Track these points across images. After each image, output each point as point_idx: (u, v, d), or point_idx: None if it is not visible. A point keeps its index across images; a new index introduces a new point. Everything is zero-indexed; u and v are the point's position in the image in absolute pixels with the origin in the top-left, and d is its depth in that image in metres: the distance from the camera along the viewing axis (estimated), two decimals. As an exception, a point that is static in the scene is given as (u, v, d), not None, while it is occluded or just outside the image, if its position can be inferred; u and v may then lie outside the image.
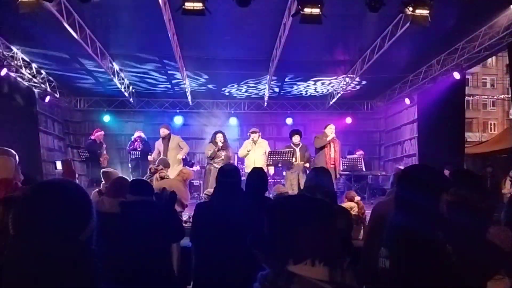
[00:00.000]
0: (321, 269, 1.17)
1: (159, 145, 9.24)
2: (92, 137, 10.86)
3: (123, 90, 11.22)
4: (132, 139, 10.89)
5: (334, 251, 1.22)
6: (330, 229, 1.26)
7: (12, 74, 9.25)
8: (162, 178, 6.68)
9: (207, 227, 3.20)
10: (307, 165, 8.44)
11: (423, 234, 1.71)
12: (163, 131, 9.23)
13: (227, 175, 3.38)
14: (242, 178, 9.75)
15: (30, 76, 9.87)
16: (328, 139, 8.43)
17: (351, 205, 5.05)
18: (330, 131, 8.55)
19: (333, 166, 8.22)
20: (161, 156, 8.33)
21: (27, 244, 1.11)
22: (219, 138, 8.89)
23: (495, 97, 33.38)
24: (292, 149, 8.41)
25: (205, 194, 6.04)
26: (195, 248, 3.41)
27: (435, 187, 1.91)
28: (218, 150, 8.81)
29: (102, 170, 6.23)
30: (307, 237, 1.20)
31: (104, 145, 10.91)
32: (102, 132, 10.99)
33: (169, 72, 10.38)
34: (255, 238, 1.31)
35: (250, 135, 9.00)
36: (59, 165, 10.86)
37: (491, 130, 33.95)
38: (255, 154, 8.74)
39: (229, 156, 8.97)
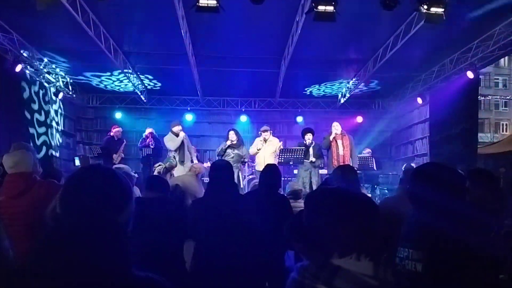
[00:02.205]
0: (366, 264, 1.17)
1: (173, 139, 8.83)
2: (111, 134, 10.92)
3: (135, 87, 11.30)
4: (144, 136, 10.96)
5: (377, 246, 1.22)
6: (374, 223, 1.25)
7: (28, 72, 9.36)
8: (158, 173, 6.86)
9: (203, 222, 3.24)
10: (313, 159, 8.41)
11: (458, 239, 1.63)
12: (179, 128, 8.83)
13: (218, 169, 3.43)
14: (252, 176, 9.70)
15: (45, 73, 9.97)
16: (331, 137, 8.39)
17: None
18: (334, 129, 8.50)
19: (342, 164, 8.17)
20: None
21: (70, 221, 1.17)
22: (231, 135, 8.74)
23: (507, 97, 33.03)
24: (303, 147, 8.39)
25: None
26: (195, 243, 3.43)
27: (460, 187, 1.82)
28: (227, 148, 8.68)
29: (114, 167, 6.28)
30: (353, 231, 1.19)
31: (125, 142, 10.94)
32: (120, 129, 11.04)
33: (180, 69, 10.43)
34: (294, 229, 1.29)
35: (261, 134, 8.98)
36: (77, 161, 10.98)
37: (503, 131, 33.60)
38: (265, 152, 8.74)
39: (242, 155, 8.73)
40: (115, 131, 10.87)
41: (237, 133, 8.85)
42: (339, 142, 8.42)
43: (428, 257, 1.65)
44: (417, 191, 1.85)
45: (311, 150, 8.45)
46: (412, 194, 1.90)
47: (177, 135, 8.70)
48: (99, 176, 1.27)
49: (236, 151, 8.67)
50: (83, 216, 1.17)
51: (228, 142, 8.66)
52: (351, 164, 8.42)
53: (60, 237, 1.16)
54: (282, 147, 8.73)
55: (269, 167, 3.93)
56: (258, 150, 8.81)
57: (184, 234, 3.46)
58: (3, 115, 8.35)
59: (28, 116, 9.64)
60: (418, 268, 1.67)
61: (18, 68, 8.44)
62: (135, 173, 8.79)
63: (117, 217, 1.22)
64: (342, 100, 12.73)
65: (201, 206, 3.38)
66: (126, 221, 1.25)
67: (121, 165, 6.39)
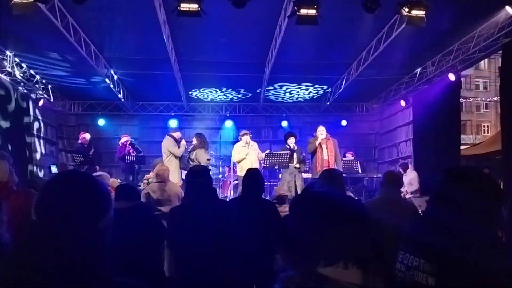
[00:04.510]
0: (354, 272, 1.10)
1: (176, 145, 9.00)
2: (79, 141, 10.82)
3: (117, 93, 11.15)
4: (120, 144, 10.71)
5: (367, 254, 1.15)
6: (364, 229, 1.18)
7: (6, 78, 9.16)
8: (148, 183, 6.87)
9: (182, 229, 3.17)
10: (297, 165, 8.36)
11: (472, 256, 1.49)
12: (180, 135, 9.21)
13: (195, 175, 3.37)
14: (236, 182, 9.61)
15: (24, 80, 9.78)
16: (317, 142, 8.34)
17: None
18: (319, 133, 8.43)
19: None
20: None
21: (47, 228, 1.13)
22: (193, 141, 8.87)
23: (488, 99, 33.63)
24: (288, 151, 8.34)
25: None
26: (174, 252, 3.35)
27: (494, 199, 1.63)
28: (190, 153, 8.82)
29: (93, 174, 6.20)
30: (341, 238, 1.12)
31: (92, 150, 10.74)
32: (86, 135, 10.88)
33: (163, 75, 10.33)
34: (278, 237, 1.24)
35: (241, 138, 8.90)
36: (54, 169, 10.77)
37: (484, 132, 34.18)
38: (252, 156, 8.69)
39: (191, 158, 8.68)
40: (81, 137, 10.72)
41: (197, 137, 8.85)
42: (324, 146, 8.38)
43: (444, 273, 1.53)
44: (452, 195, 1.62)
45: (295, 155, 8.40)
46: (443, 196, 1.67)
47: (177, 141, 8.73)
48: (77, 181, 1.22)
49: (190, 155, 8.74)
50: (61, 222, 1.12)
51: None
52: (336, 166, 8.45)
53: (36, 245, 1.12)
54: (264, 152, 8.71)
55: (251, 171, 3.88)
56: (246, 155, 8.72)
57: (160, 241, 3.39)
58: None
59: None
60: (430, 282, 1.54)
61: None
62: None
63: (97, 223, 1.17)
64: (326, 104, 12.76)
65: (179, 214, 3.31)
66: (105, 227, 1.20)
67: (100, 173, 6.31)
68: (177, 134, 9.00)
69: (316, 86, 11.61)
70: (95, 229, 1.16)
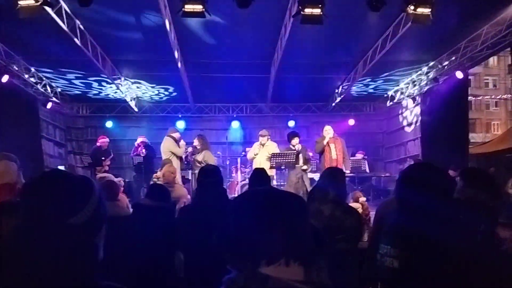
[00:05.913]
0: (296, 269, 1.08)
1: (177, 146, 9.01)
2: (98, 144, 10.87)
3: (125, 95, 11.21)
4: (136, 145, 10.84)
5: (308, 249, 1.12)
6: (303, 224, 1.15)
7: (15, 81, 9.25)
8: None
9: (192, 229, 3.16)
10: (305, 167, 8.29)
11: (437, 238, 1.71)
12: (179, 135, 9.19)
13: (207, 175, 3.36)
14: (244, 182, 9.49)
15: (33, 83, 9.87)
16: (324, 141, 8.29)
17: (356, 206, 5.00)
18: (326, 132, 8.38)
19: (335, 168, 8.10)
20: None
21: (24, 228, 1.14)
22: (195, 142, 8.87)
23: (497, 97, 33.31)
24: (295, 151, 8.28)
25: None
26: (184, 252, 3.35)
27: (442, 188, 1.89)
28: (191, 154, 8.81)
29: (97, 176, 6.25)
30: (279, 235, 1.09)
31: (111, 156, 10.79)
32: (106, 139, 10.91)
33: (170, 76, 10.37)
34: (222, 237, 1.20)
35: (259, 138, 8.89)
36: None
37: (494, 131, 33.80)
38: (261, 157, 8.63)
39: (199, 160, 8.61)
40: (101, 141, 10.75)
41: (200, 139, 8.85)
42: (332, 146, 8.32)
43: (404, 254, 1.76)
44: (404, 196, 1.94)
45: (300, 155, 8.32)
46: (399, 199, 1.98)
47: (177, 141, 8.74)
48: (50, 179, 1.23)
49: (196, 157, 8.68)
50: (33, 221, 1.12)
51: (189, 149, 8.87)
52: (344, 168, 8.38)
53: (16, 245, 1.11)
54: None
55: (257, 171, 3.88)
56: (255, 155, 8.69)
57: (174, 245, 3.40)
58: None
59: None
60: (394, 265, 1.78)
61: (5, 78, 8.33)
62: (124, 181, 8.78)
63: (69, 219, 1.14)
64: (333, 103, 12.73)
65: (189, 214, 3.31)
66: (84, 224, 1.16)
67: (105, 174, 6.34)
68: (176, 135, 8.92)
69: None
70: (67, 225, 1.13)
